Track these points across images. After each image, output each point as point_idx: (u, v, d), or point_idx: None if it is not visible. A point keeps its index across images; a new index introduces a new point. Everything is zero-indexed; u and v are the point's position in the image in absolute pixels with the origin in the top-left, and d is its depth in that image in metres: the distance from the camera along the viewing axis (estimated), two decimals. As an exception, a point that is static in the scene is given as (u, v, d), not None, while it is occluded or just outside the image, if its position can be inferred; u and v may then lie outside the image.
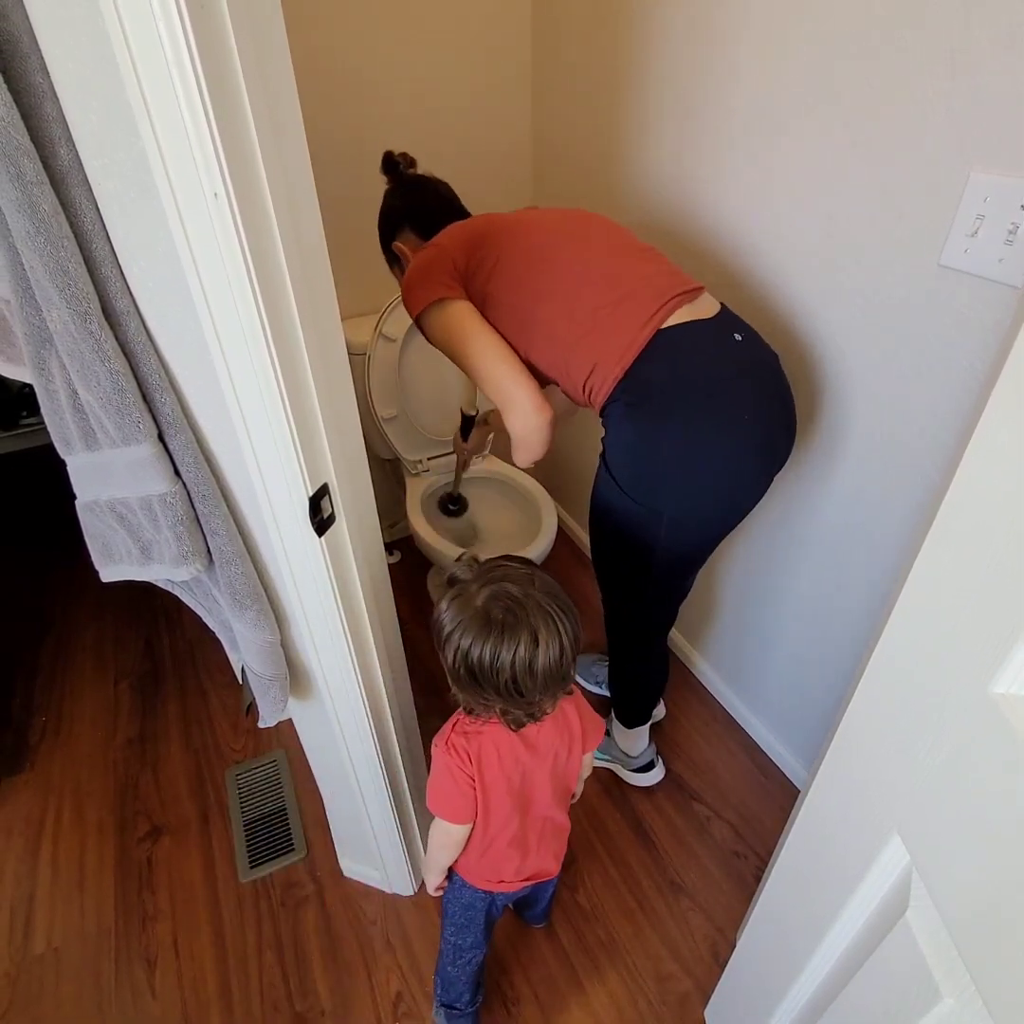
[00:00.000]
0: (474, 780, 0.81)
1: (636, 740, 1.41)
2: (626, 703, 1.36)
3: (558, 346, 0.96)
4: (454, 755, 0.81)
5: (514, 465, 1.09)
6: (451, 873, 0.95)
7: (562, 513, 2.19)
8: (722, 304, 0.99)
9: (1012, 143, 0.75)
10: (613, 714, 1.41)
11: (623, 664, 1.30)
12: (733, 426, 0.93)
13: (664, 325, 0.91)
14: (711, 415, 0.92)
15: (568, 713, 0.86)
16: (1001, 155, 0.77)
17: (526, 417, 0.98)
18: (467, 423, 1.49)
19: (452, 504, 1.70)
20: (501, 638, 0.71)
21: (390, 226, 1.19)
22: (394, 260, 1.23)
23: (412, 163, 1.20)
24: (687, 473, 0.95)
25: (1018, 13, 0.71)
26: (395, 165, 1.19)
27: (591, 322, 0.93)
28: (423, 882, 1.27)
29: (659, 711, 1.57)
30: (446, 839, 0.86)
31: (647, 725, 1.40)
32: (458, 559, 0.80)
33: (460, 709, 0.84)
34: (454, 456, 1.62)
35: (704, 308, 0.95)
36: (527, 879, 0.93)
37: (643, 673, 1.31)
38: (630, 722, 1.38)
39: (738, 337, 0.95)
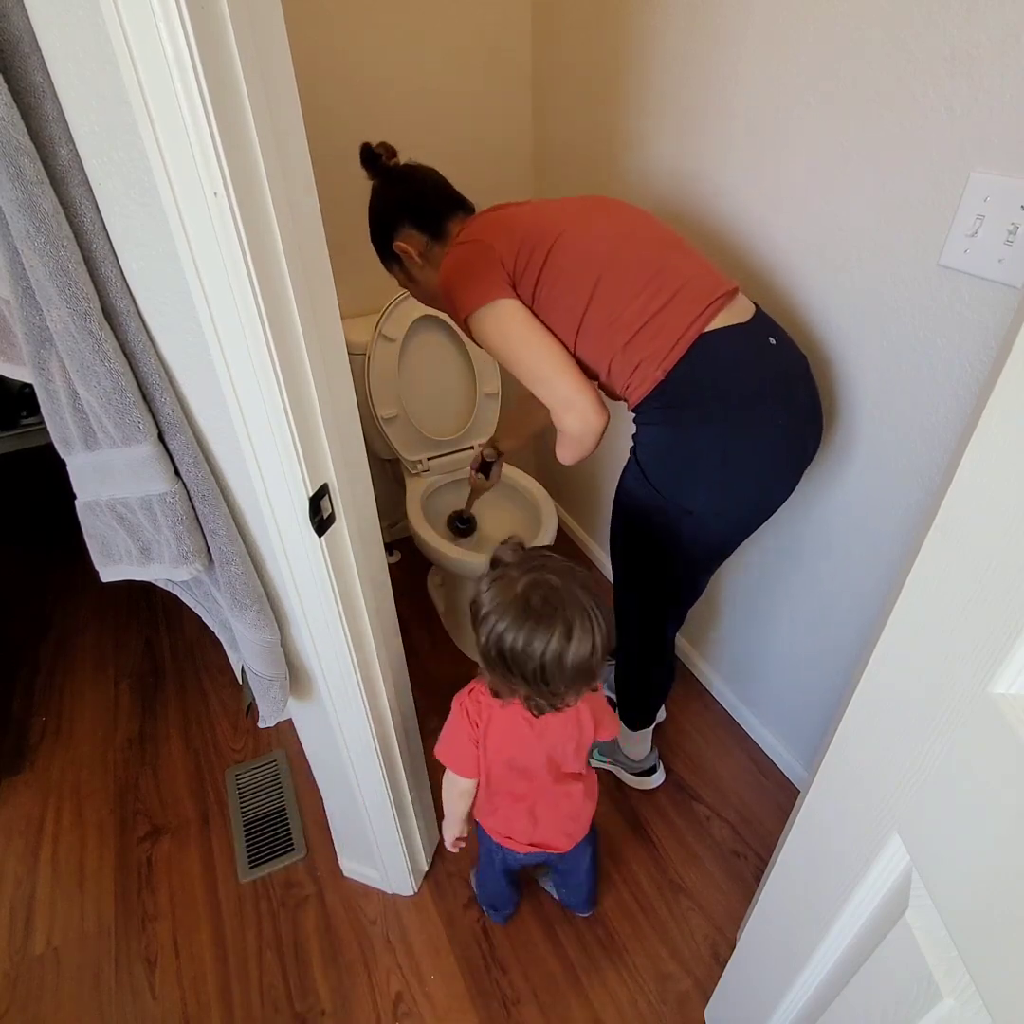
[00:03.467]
0: (478, 743, 0.86)
1: (640, 744, 1.40)
2: (632, 705, 1.35)
3: (606, 346, 0.95)
4: (465, 717, 0.86)
5: (558, 461, 1.08)
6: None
7: (562, 513, 2.19)
8: (756, 305, 0.99)
9: (1012, 143, 0.75)
10: (617, 716, 1.41)
11: (631, 664, 1.30)
12: (767, 433, 0.94)
13: (706, 329, 0.91)
14: (746, 423, 0.93)
15: (581, 711, 0.88)
16: (1001, 155, 0.77)
17: (587, 420, 0.96)
18: (488, 465, 1.52)
19: (461, 523, 1.67)
20: (536, 627, 0.72)
21: (387, 224, 1.11)
22: (393, 260, 1.15)
23: (393, 153, 1.10)
24: (721, 477, 0.96)
25: (1018, 13, 0.71)
26: (376, 157, 1.09)
27: (639, 324, 0.92)
28: (423, 882, 1.29)
29: (660, 714, 1.57)
30: (452, 789, 0.93)
31: (651, 728, 1.40)
32: (504, 542, 0.82)
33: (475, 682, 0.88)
34: (468, 478, 1.59)
35: (740, 311, 0.95)
36: (533, 846, 0.98)
37: (652, 674, 1.31)
38: (635, 725, 1.37)
39: (772, 341, 0.96)
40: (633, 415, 1.01)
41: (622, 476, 1.07)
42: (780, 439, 0.96)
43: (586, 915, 1.23)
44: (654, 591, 1.15)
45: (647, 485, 1.01)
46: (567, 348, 0.97)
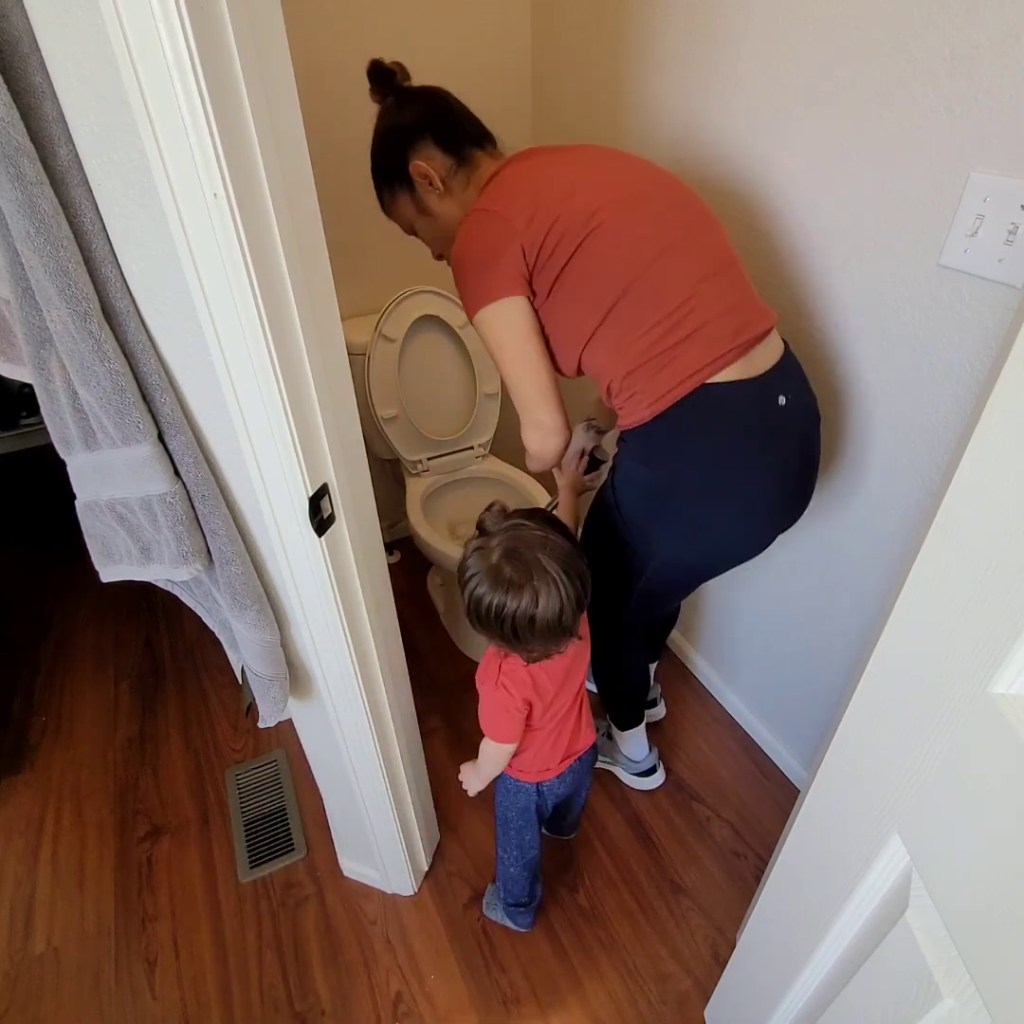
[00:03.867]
0: (530, 702, 0.90)
1: (634, 744, 1.41)
2: (614, 706, 1.36)
3: (609, 368, 0.91)
4: (505, 693, 0.89)
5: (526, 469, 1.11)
6: (502, 785, 1.07)
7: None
8: (785, 347, 0.94)
9: (1012, 143, 0.75)
10: (607, 717, 1.41)
11: (601, 669, 1.29)
12: (744, 498, 0.93)
13: (709, 380, 0.86)
14: (724, 486, 0.91)
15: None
16: (1001, 155, 0.77)
17: (545, 445, 1.00)
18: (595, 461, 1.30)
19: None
20: (506, 593, 0.79)
21: (402, 142, 0.95)
22: (402, 190, 0.99)
23: (408, 75, 0.97)
24: (688, 530, 0.96)
25: (1018, 13, 0.71)
26: (390, 75, 0.95)
27: (645, 357, 0.87)
28: (423, 882, 1.29)
29: (659, 711, 1.57)
30: (499, 755, 0.96)
31: (642, 727, 1.40)
32: (489, 508, 0.86)
33: (499, 648, 0.91)
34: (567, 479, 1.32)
35: (761, 359, 0.89)
36: (567, 759, 1.03)
37: (623, 679, 1.31)
38: (622, 723, 1.38)
39: (782, 401, 0.90)
40: (619, 434, 0.99)
41: (599, 493, 1.07)
42: (758, 504, 0.94)
43: (569, 838, 1.32)
44: (606, 606, 1.11)
45: (616, 511, 1.01)
46: (571, 346, 0.93)
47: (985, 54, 0.75)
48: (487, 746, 0.96)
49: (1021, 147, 0.75)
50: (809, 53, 0.95)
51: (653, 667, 1.50)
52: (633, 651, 1.27)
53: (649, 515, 0.98)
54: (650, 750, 1.43)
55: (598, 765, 1.45)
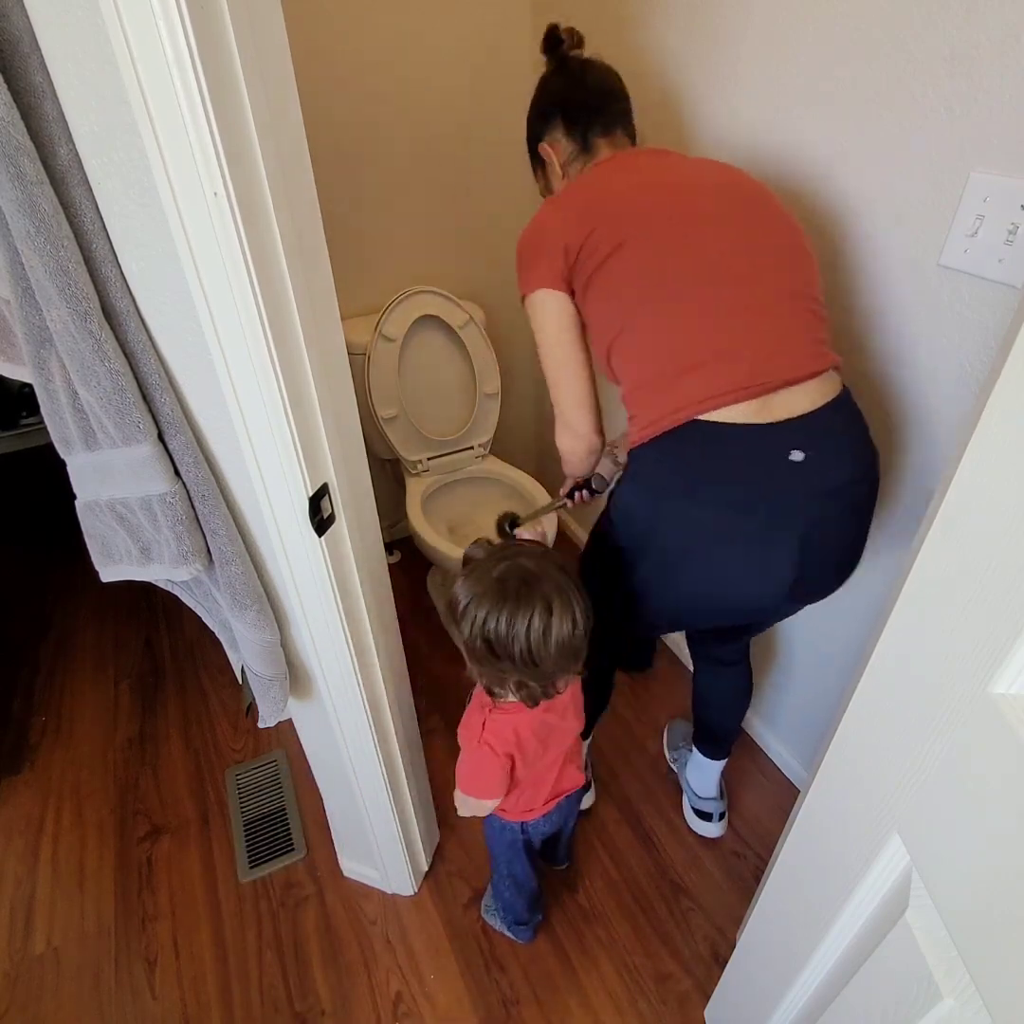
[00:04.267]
0: (512, 757, 0.87)
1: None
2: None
3: (627, 373, 0.88)
4: (489, 751, 0.85)
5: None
6: (489, 821, 1.04)
7: (562, 513, 2.19)
8: (835, 401, 0.82)
9: (1012, 143, 0.75)
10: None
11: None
12: (719, 558, 0.84)
13: (702, 417, 0.80)
14: (702, 538, 0.83)
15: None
16: (1001, 155, 0.77)
17: (575, 447, 0.98)
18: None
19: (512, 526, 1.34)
20: (516, 606, 0.74)
21: (541, 117, 1.00)
22: (537, 161, 1.04)
23: (580, 42, 0.99)
24: (658, 569, 0.89)
25: (1018, 13, 0.71)
26: (558, 42, 0.98)
27: (654, 375, 0.84)
28: (423, 882, 1.29)
29: (713, 828, 1.35)
30: (480, 810, 0.93)
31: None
32: (475, 543, 0.83)
33: (484, 702, 0.87)
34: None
35: (782, 407, 0.80)
36: (554, 799, 1.00)
37: (600, 688, 1.24)
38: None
39: (797, 457, 0.78)
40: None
41: (607, 505, 1.01)
42: (730, 569, 0.84)
43: (562, 868, 1.28)
44: (602, 606, 1.08)
45: (613, 532, 0.95)
46: (602, 343, 0.89)
47: (985, 54, 0.75)
48: (466, 802, 0.92)
49: (1021, 147, 0.75)
50: (809, 53, 0.95)
51: (712, 765, 1.34)
52: (608, 672, 1.23)
53: (632, 539, 0.92)
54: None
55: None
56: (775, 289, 0.83)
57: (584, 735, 1.30)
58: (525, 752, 0.88)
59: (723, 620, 1.02)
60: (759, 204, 0.87)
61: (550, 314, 0.91)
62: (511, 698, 0.84)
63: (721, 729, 1.29)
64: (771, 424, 0.79)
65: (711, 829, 1.35)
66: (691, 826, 1.37)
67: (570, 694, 0.91)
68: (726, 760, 1.33)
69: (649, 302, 0.83)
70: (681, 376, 0.82)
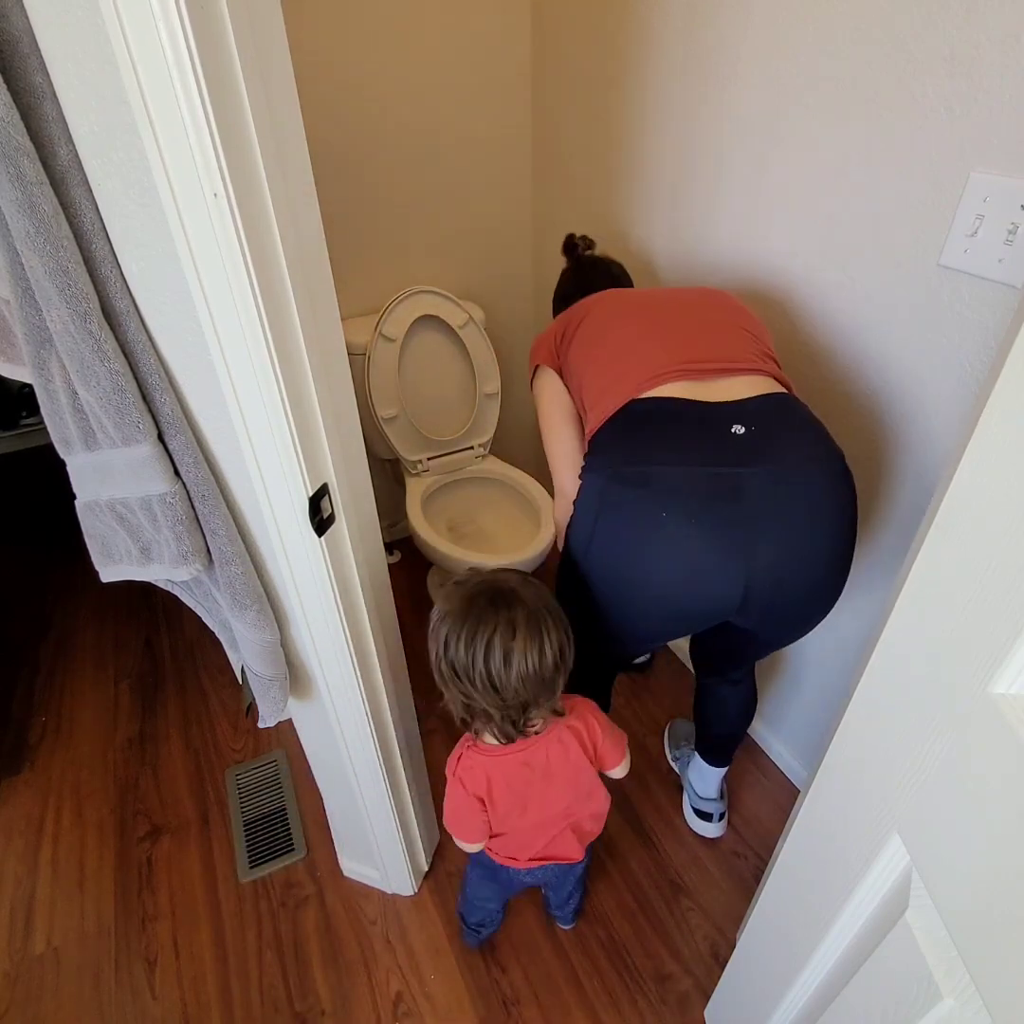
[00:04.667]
0: (483, 800, 0.84)
1: (698, 773, 1.35)
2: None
3: (588, 402, 0.93)
4: (461, 788, 0.84)
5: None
6: None
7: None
8: (783, 399, 0.83)
9: (1012, 143, 0.75)
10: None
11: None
12: (670, 536, 0.78)
13: (639, 396, 0.83)
14: (636, 515, 0.80)
15: (567, 742, 0.86)
16: (1001, 155, 0.77)
17: (560, 503, 1.00)
18: None
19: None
20: (477, 625, 0.72)
21: (562, 300, 1.24)
22: None
23: (591, 245, 1.28)
24: (630, 575, 0.84)
25: (1018, 13, 0.71)
26: (574, 247, 1.28)
27: (600, 389, 0.90)
28: (423, 882, 1.29)
29: (712, 828, 1.36)
30: (464, 849, 0.93)
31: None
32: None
33: (468, 736, 0.86)
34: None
35: (722, 391, 0.81)
36: (540, 860, 0.97)
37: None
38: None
39: (738, 430, 0.78)
40: None
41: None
42: (683, 540, 0.78)
43: (567, 928, 1.21)
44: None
45: (572, 549, 0.91)
46: (576, 399, 1.00)
47: (985, 54, 0.75)
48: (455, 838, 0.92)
49: (1021, 147, 0.75)
50: (809, 53, 0.95)
51: (714, 771, 1.33)
52: (604, 682, 1.19)
53: (586, 553, 0.88)
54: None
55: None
56: (722, 323, 0.93)
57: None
58: (495, 801, 0.84)
59: (698, 616, 0.89)
60: (728, 306, 0.98)
61: (543, 389, 1.06)
62: (488, 736, 0.83)
63: (725, 739, 1.29)
64: (710, 402, 0.81)
65: (711, 829, 1.35)
66: (691, 826, 1.37)
67: (565, 763, 0.86)
68: (729, 766, 1.33)
69: (599, 341, 0.95)
70: (623, 373, 0.88)
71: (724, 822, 1.35)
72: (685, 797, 1.40)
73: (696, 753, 1.34)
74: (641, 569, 0.82)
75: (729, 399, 0.82)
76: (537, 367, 1.08)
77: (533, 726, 0.82)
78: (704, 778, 1.34)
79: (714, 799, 1.35)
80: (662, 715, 1.59)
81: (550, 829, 0.94)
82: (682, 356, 0.86)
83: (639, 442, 0.81)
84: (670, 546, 0.79)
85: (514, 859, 0.98)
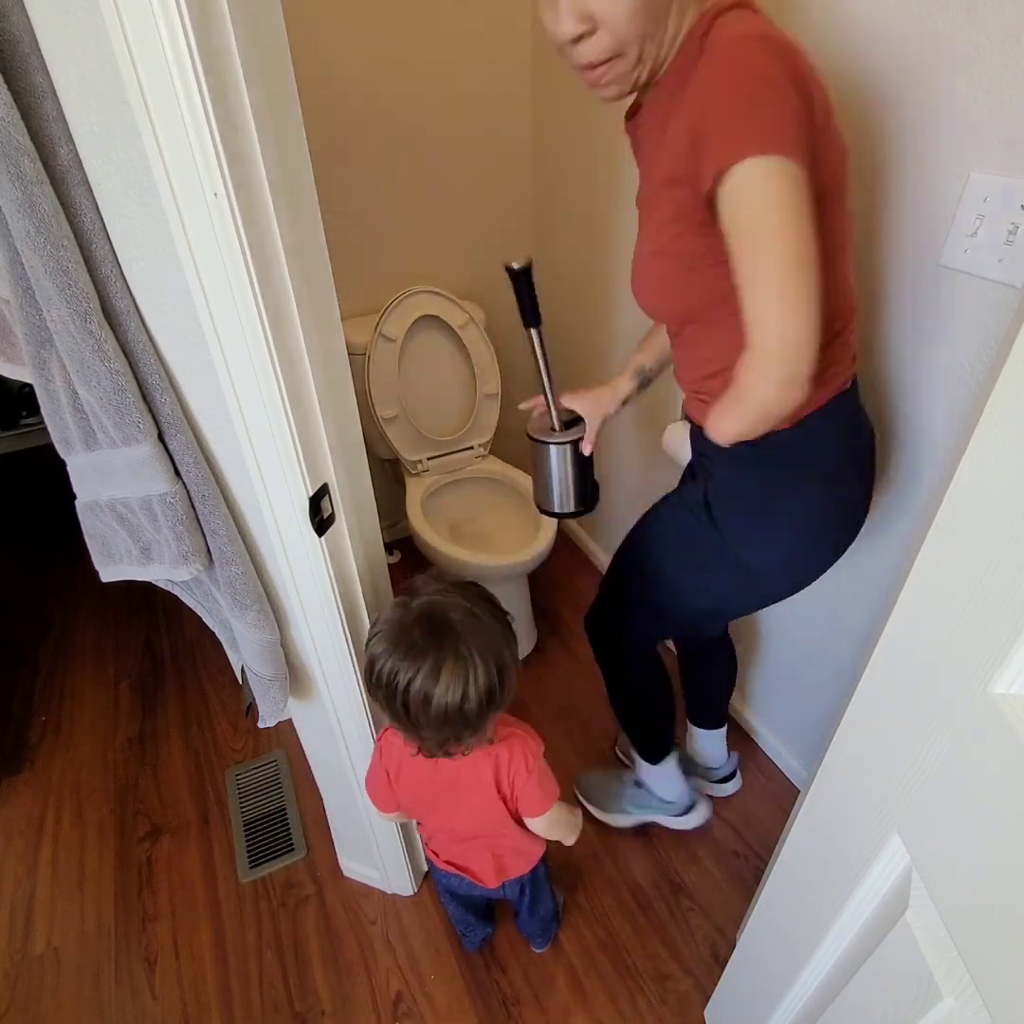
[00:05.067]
0: (389, 774, 0.87)
1: (663, 781, 1.27)
2: (636, 726, 1.22)
3: (829, 319, 0.65)
4: (377, 754, 0.88)
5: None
6: None
7: (569, 522, 2.18)
8: None
9: (1012, 143, 0.75)
10: (636, 756, 1.26)
11: (617, 689, 1.18)
12: (847, 510, 0.87)
13: (848, 387, 0.82)
14: (835, 495, 0.85)
15: (481, 769, 0.83)
16: (1001, 155, 0.77)
17: (791, 388, 0.64)
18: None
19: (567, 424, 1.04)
20: (404, 658, 0.69)
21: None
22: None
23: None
24: (795, 543, 0.88)
25: (1018, 13, 0.71)
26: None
27: (840, 326, 0.78)
28: (423, 882, 1.29)
29: (732, 785, 1.40)
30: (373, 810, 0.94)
31: (672, 762, 1.24)
32: (428, 570, 0.84)
33: None
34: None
35: None
36: (451, 865, 0.99)
37: (641, 683, 1.16)
38: (651, 755, 1.23)
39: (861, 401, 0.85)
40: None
41: (668, 502, 0.98)
42: (849, 520, 0.88)
43: (538, 952, 1.18)
44: (644, 623, 1.06)
45: (709, 524, 0.89)
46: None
47: (985, 54, 0.75)
48: None
49: (1021, 147, 0.75)
50: (809, 52, 0.95)
51: (717, 734, 1.36)
52: (642, 667, 1.15)
53: (758, 524, 0.87)
54: (684, 785, 1.29)
55: (636, 819, 1.32)
56: None
57: (654, 754, 1.23)
58: (401, 785, 0.86)
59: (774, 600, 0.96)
60: None
61: (799, 191, 0.61)
62: None
63: (718, 700, 1.34)
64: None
65: (735, 783, 1.41)
66: (716, 794, 1.40)
67: (474, 787, 0.83)
68: (726, 726, 1.38)
69: (839, 201, 0.72)
70: (844, 328, 0.79)
71: (738, 776, 1.41)
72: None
73: (697, 730, 1.37)
74: (821, 563, 0.89)
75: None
76: (780, 156, 0.59)
77: (458, 750, 0.78)
78: (709, 746, 1.37)
79: (724, 762, 1.39)
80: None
81: (462, 843, 0.94)
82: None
83: (864, 442, 0.85)
84: (837, 556, 0.88)
85: (435, 855, 0.99)
